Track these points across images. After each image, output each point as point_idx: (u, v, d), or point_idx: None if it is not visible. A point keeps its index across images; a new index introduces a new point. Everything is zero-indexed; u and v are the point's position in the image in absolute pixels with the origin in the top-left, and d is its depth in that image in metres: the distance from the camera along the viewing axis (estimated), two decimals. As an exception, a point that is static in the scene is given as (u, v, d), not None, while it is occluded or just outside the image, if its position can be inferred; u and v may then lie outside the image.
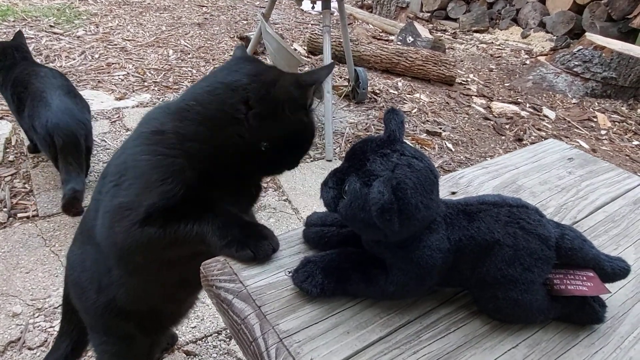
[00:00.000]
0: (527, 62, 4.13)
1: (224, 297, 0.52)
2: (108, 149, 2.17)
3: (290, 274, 0.53)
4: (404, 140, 0.47)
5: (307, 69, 3.10)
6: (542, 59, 3.83)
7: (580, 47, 3.51)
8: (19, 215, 1.69)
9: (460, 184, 0.76)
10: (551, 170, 0.84)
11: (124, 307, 0.84)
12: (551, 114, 3.14)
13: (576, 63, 3.51)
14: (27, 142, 2.05)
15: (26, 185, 1.85)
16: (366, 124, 2.66)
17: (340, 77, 3.24)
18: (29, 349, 1.24)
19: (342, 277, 0.50)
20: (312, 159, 2.29)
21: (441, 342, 0.48)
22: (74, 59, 3.01)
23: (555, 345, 0.48)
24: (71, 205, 1.58)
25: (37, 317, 1.31)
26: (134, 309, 0.85)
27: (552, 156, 0.90)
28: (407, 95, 3.11)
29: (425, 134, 2.62)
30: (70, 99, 1.75)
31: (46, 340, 1.25)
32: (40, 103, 1.68)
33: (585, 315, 0.50)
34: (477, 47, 4.50)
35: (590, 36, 3.60)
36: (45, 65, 2.06)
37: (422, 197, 0.42)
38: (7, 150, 2.04)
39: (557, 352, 0.48)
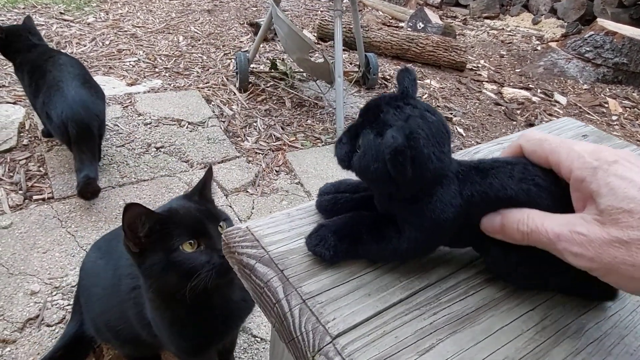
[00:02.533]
0: (538, 48, 4.08)
1: (247, 263, 0.53)
2: (120, 133, 2.19)
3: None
4: (417, 97, 0.47)
5: (317, 54, 3.09)
6: (553, 44, 3.79)
7: (592, 32, 3.46)
8: (35, 197, 1.72)
9: (475, 158, 0.76)
10: (566, 147, 0.83)
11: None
12: (562, 100, 3.11)
13: (587, 49, 3.47)
14: (40, 127, 2.08)
15: (41, 169, 1.87)
16: (376, 109, 2.65)
17: (351, 63, 3.23)
18: (48, 325, 1.27)
19: (354, 239, 0.49)
20: (323, 144, 2.30)
21: (460, 304, 0.48)
22: (85, 46, 3.02)
23: (572, 309, 0.49)
24: (86, 192, 1.66)
25: (55, 295, 1.34)
26: None
27: (566, 133, 0.90)
28: (418, 81, 3.09)
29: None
30: (86, 90, 1.79)
31: (64, 318, 1.28)
32: (57, 92, 1.72)
33: (599, 288, 0.47)
34: (488, 33, 4.45)
35: (602, 22, 3.55)
36: (62, 50, 2.07)
37: (434, 148, 0.42)
38: (21, 134, 2.07)
39: (574, 314, 0.48)
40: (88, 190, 1.65)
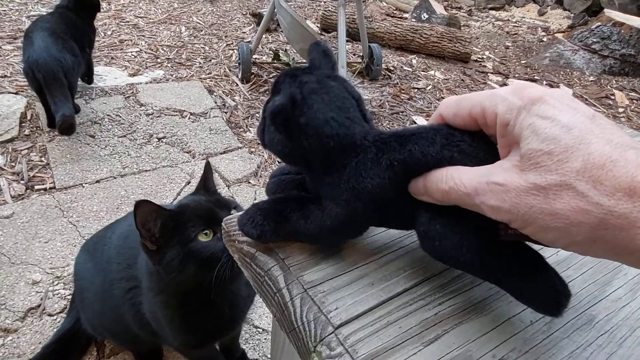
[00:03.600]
0: (544, 39, 4.04)
1: (247, 251, 0.51)
2: (122, 123, 2.18)
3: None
4: (333, 73, 0.43)
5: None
6: (559, 36, 3.75)
7: (599, 23, 3.42)
8: (36, 187, 1.72)
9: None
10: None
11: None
12: (568, 91, 3.08)
13: (594, 40, 3.43)
14: (42, 117, 2.08)
15: (43, 159, 1.87)
16: (380, 100, 2.63)
17: (354, 54, 3.20)
18: (49, 315, 1.26)
19: (281, 218, 0.47)
20: (325, 135, 2.28)
21: (466, 294, 0.47)
22: (87, 35, 3.00)
23: (582, 299, 0.48)
24: (63, 128, 1.83)
25: (57, 284, 1.34)
26: None
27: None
28: (422, 72, 3.07)
29: (439, 111, 2.59)
30: (52, 39, 1.96)
31: (65, 307, 1.28)
32: (27, 42, 1.96)
33: (539, 291, 0.39)
34: (493, 24, 4.41)
35: (609, 12, 3.51)
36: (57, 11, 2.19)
37: (334, 113, 0.40)
38: (23, 124, 2.06)
39: (585, 306, 0.47)
40: (64, 127, 1.82)
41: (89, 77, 2.42)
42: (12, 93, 2.25)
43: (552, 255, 0.53)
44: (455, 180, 0.36)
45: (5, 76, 2.38)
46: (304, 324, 0.44)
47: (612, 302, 0.48)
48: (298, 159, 0.43)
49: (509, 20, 4.51)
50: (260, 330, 1.30)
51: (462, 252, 0.39)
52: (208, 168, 0.92)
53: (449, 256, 0.40)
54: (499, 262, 0.39)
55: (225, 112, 2.42)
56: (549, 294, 0.38)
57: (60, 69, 1.89)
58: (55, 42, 1.96)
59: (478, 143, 0.38)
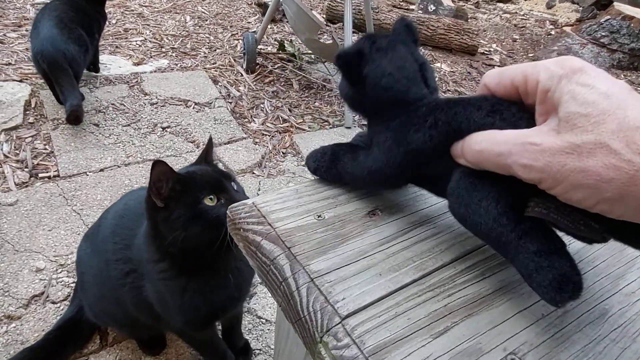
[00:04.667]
0: (552, 32, 4.00)
1: (252, 239, 0.51)
2: (127, 112, 2.17)
3: (320, 218, 0.52)
4: (407, 40, 0.47)
5: (326, 36, 3.04)
6: (567, 29, 3.70)
7: (608, 17, 3.38)
8: (41, 175, 1.71)
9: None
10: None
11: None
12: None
13: (603, 34, 3.39)
14: (46, 105, 2.08)
15: (47, 147, 1.86)
16: (385, 92, 2.61)
17: (360, 45, 3.17)
18: (53, 302, 1.26)
19: (336, 158, 0.52)
20: (331, 126, 2.27)
21: (477, 286, 0.46)
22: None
23: (595, 293, 0.47)
24: (75, 118, 1.90)
25: (60, 272, 1.34)
26: None
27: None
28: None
29: (445, 104, 2.57)
30: (58, 29, 1.96)
31: (69, 295, 1.28)
32: (34, 31, 1.98)
33: (551, 275, 0.37)
34: (501, 17, 4.36)
35: (619, 6, 3.46)
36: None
37: (392, 70, 0.43)
38: (27, 112, 2.05)
39: (597, 299, 0.46)
40: (73, 117, 1.88)
41: (94, 65, 2.42)
42: (17, 81, 2.24)
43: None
44: (489, 141, 0.37)
45: (10, 64, 2.37)
46: (310, 313, 0.43)
47: (626, 295, 0.47)
48: (358, 105, 0.49)
49: (516, 12, 4.46)
50: (264, 320, 1.30)
51: (480, 213, 0.39)
52: (210, 143, 0.98)
53: (468, 215, 0.41)
54: (514, 232, 0.38)
55: (230, 103, 2.40)
56: (557, 278, 0.37)
57: (64, 60, 1.91)
58: (61, 32, 1.96)
59: (522, 114, 0.39)
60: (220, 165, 1.90)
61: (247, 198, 1.00)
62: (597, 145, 0.30)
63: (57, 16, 2.01)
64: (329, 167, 0.52)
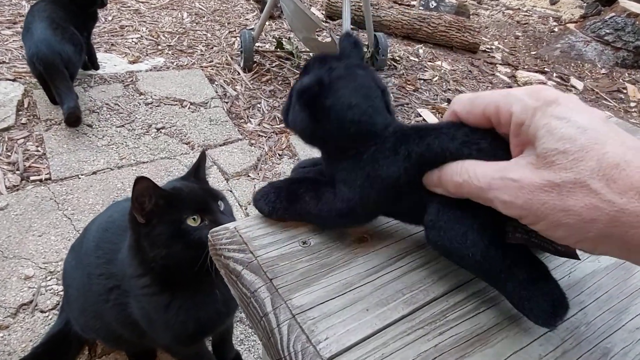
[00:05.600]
0: (556, 29, 3.95)
1: (233, 268, 0.48)
2: (121, 113, 2.14)
3: (305, 245, 0.49)
4: (361, 62, 0.44)
5: (325, 34, 3.00)
6: (571, 26, 3.66)
7: (613, 14, 3.33)
8: (32, 178, 1.69)
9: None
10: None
11: None
12: (579, 85, 3.01)
13: (607, 31, 3.34)
14: (39, 105, 2.05)
15: (39, 149, 1.83)
16: (385, 91, 2.58)
17: (359, 43, 3.13)
18: (41, 311, 1.24)
19: (295, 197, 0.48)
20: (328, 127, 2.24)
21: (469, 322, 0.43)
22: (86, 21, 2.95)
23: (596, 329, 0.44)
24: (75, 121, 1.89)
25: (50, 280, 1.31)
26: None
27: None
28: (429, 63, 3.00)
29: (446, 103, 2.54)
30: (52, 30, 1.94)
31: (58, 303, 1.26)
32: (27, 33, 1.95)
33: (539, 300, 0.38)
34: (503, 13, 4.32)
35: (624, 3, 3.42)
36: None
37: (357, 100, 0.40)
38: (20, 112, 2.02)
39: (599, 337, 0.43)
40: (71, 120, 1.87)
41: (92, 63, 2.40)
42: (10, 80, 2.21)
43: (564, 277, 0.49)
44: (470, 174, 0.36)
45: (4, 62, 2.34)
46: (291, 354, 0.40)
47: (629, 332, 0.44)
48: (318, 140, 0.45)
49: (519, 9, 4.41)
50: (257, 330, 1.27)
51: (467, 245, 0.38)
52: (202, 157, 0.96)
53: (454, 248, 0.40)
54: (502, 262, 0.38)
55: (226, 102, 2.37)
56: (548, 304, 0.38)
57: (61, 61, 1.90)
58: (55, 33, 1.94)
59: (498, 143, 0.38)
60: (214, 169, 1.87)
61: (234, 220, 0.98)
62: (577, 184, 0.29)
63: (48, 17, 1.99)
64: (286, 208, 0.48)
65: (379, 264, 0.48)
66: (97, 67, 2.43)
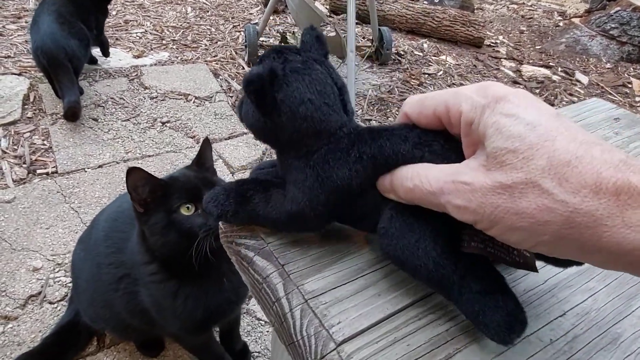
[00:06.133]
0: (560, 24, 3.93)
1: (245, 254, 0.48)
2: (126, 107, 2.14)
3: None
4: (321, 58, 0.42)
5: (329, 28, 3.00)
6: (576, 20, 3.64)
7: (618, 8, 3.31)
8: (38, 171, 1.70)
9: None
10: (596, 131, 0.77)
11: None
12: (584, 79, 3.00)
13: (612, 25, 3.32)
14: (45, 99, 2.05)
15: (45, 142, 1.84)
16: (390, 86, 2.57)
17: (363, 38, 3.13)
18: (50, 302, 1.25)
19: (243, 199, 0.46)
20: (332, 121, 2.24)
21: (480, 308, 0.43)
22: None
23: (605, 315, 0.44)
24: (73, 115, 1.91)
25: (58, 272, 1.32)
26: None
27: (596, 116, 0.83)
28: (433, 57, 2.99)
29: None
30: (58, 25, 1.95)
31: (66, 295, 1.27)
32: (34, 26, 1.97)
33: (495, 313, 0.36)
34: (508, 7, 4.29)
35: (630, -4, 3.39)
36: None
37: (312, 95, 0.38)
38: (26, 106, 2.03)
39: (608, 323, 0.43)
40: (69, 114, 1.89)
41: (103, 51, 2.46)
42: (15, 74, 2.22)
43: (573, 265, 0.50)
44: (421, 178, 0.35)
45: (9, 56, 2.35)
46: (304, 338, 0.41)
47: (639, 318, 0.44)
48: (269, 137, 0.43)
49: (524, 3, 4.39)
50: (263, 322, 1.28)
51: (419, 255, 0.37)
52: (206, 144, 0.95)
53: (405, 257, 0.38)
54: (456, 273, 0.37)
55: (231, 97, 2.37)
56: (504, 318, 0.36)
57: (65, 56, 1.91)
58: (61, 27, 1.95)
59: (450, 144, 0.37)
60: (220, 162, 1.88)
61: None
62: (528, 184, 0.28)
63: (57, 10, 2.00)
64: (235, 211, 0.45)
65: (390, 251, 0.49)
66: (107, 55, 2.47)
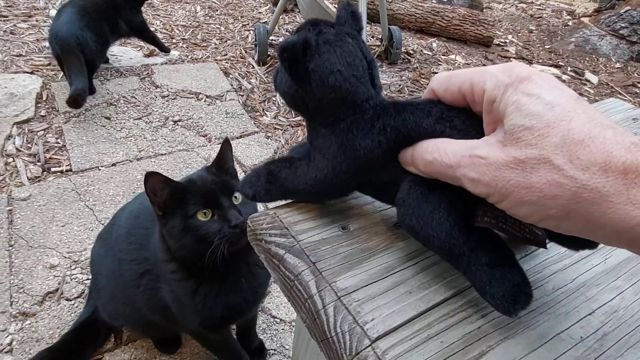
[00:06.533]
0: (570, 23, 3.91)
1: (275, 252, 0.49)
2: (138, 105, 2.16)
3: (345, 230, 0.50)
4: (353, 32, 0.44)
5: (338, 27, 3.00)
6: (585, 20, 3.62)
7: (628, 7, 3.29)
8: (53, 169, 1.71)
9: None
10: (616, 131, 0.77)
11: None
12: (593, 79, 2.98)
13: (622, 25, 3.30)
14: (58, 98, 2.07)
15: (59, 140, 1.86)
16: (399, 85, 2.57)
17: (372, 37, 3.13)
18: (67, 299, 1.26)
19: (273, 177, 0.48)
20: (343, 120, 2.25)
21: (511, 306, 0.44)
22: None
23: (634, 313, 0.45)
24: (74, 102, 1.90)
25: (74, 269, 1.34)
26: None
27: (615, 116, 0.83)
28: (442, 57, 2.99)
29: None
30: (78, 16, 2.02)
31: (83, 292, 1.28)
32: (57, 17, 2.06)
33: (502, 285, 0.37)
34: (517, 7, 4.28)
35: (641, -5, 3.37)
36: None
37: (341, 66, 0.40)
38: (39, 105, 2.05)
39: (637, 321, 0.44)
40: (71, 101, 1.88)
41: (159, 47, 2.55)
42: (28, 73, 2.24)
43: (600, 264, 0.50)
44: (440, 152, 0.36)
45: (21, 55, 2.37)
46: (338, 334, 0.41)
47: (668, 316, 0.45)
48: (300, 104, 0.44)
49: (533, 2, 4.37)
50: (278, 320, 1.29)
51: (432, 225, 0.39)
52: (225, 146, 0.94)
53: (420, 227, 0.40)
54: (466, 245, 0.38)
55: (242, 95, 2.38)
56: (510, 290, 0.37)
57: (77, 44, 1.96)
58: (80, 19, 2.01)
59: (472, 121, 0.38)
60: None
61: (250, 211, 0.99)
62: (541, 160, 0.29)
63: (81, 5, 2.08)
64: (267, 189, 0.48)
65: (418, 249, 0.49)
66: (165, 51, 2.58)
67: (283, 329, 1.26)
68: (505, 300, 0.37)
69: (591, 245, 0.38)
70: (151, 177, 0.80)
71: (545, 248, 0.39)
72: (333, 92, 0.40)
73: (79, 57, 1.96)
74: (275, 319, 1.29)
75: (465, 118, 0.38)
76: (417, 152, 0.38)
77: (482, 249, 0.38)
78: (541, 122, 0.29)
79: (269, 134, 2.11)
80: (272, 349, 1.21)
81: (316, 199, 0.49)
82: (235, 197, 0.88)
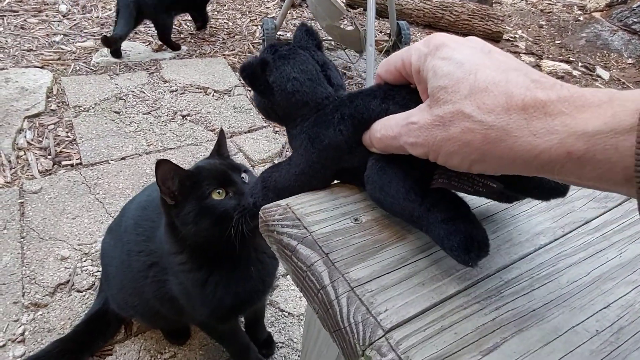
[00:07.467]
0: (580, 18, 3.87)
1: (287, 243, 0.49)
2: (147, 100, 2.16)
3: (357, 221, 0.50)
4: (307, 45, 0.50)
5: (347, 22, 2.99)
6: (596, 15, 3.58)
7: (641, 2, 3.25)
8: (63, 163, 1.72)
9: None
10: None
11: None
12: (605, 74, 2.95)
13: (635, 20, 3.26)
14: (68, 92, 2.08)
15: (69, 134, 1.87)
16: (407, 80, 2.56)
17: (381, 32, 3.11)
18: (78, 291, 1.28)
19: (265, 181, 0.53)
20: (351, 115, 2.24)
21: (525, 298, 0.44)
22: (110, 10, 2.99)
23: (650, 307, 0.44)
24: (108, 42, 2.33)
25: (85, 261, 1.35)
26: None
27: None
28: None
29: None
30: None
31: (94, 284, 1.29)
32: None
33: (457, 237, 0.39)
34: (526, 1, 4.24)
35: (654, -10, 3.32)
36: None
37: (296, 74, 0.46)
38: (49, 99, 2.06)
39: (653, 315, 0.43)
40: (104, 39, 2.30)
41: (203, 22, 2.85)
42: (38, 67, 2.25)
43: (615, 258, 0.50)
44: (385, 128, 0.40)
45: (31, 50, 2.39)
46: (351, 325, 0.41)
47: (685, 310, 0.44)
48: (272, 114, 0.50)
49: (542, -3, 4.33)
50: (286, 313, 1.30)
51: (392, 194, 0.42)
52: (222, 135, 0.99)
53: (382, 197, 0.44)
54: (424, 206, 0.41)
55: (249, 90, 2.38)
56: (462, 240, 0.39)
57: (135, 3, 2.29)
58: None
59: (411, 95, 0.41)
60: (240, 155, 1.89)
61: None
62: (455, 113, 0.32)
63: None
64: (264, 194, 0.53)
65: (431, 241, 0.49)
66: (201, 28, 2.88)
67: (291, 322, 1.27)
68: (460, 250, 0.39)
69: (557, 193, 0.42)
70: (162, 165, 0.82)
71: (501, 201, 0.45)
72: (293, 96, 0.46)
73: (131, 10, 2.27)
74: (284, 313, 1.29)
75: (405, 93, 0.42)
76: (371, 133, 0.42)
77: (437, 208, 0.41)
78: (452, 79, 0.32)
79: (277, 129, 2.11)
80: (280, 342, 1.21)
81: (301, 191, 0.53)
82: (242, 177, 0.90)
